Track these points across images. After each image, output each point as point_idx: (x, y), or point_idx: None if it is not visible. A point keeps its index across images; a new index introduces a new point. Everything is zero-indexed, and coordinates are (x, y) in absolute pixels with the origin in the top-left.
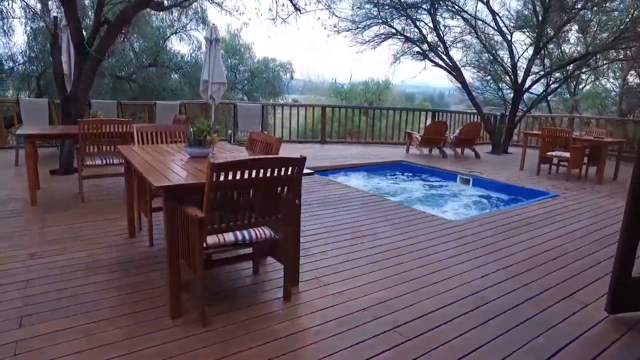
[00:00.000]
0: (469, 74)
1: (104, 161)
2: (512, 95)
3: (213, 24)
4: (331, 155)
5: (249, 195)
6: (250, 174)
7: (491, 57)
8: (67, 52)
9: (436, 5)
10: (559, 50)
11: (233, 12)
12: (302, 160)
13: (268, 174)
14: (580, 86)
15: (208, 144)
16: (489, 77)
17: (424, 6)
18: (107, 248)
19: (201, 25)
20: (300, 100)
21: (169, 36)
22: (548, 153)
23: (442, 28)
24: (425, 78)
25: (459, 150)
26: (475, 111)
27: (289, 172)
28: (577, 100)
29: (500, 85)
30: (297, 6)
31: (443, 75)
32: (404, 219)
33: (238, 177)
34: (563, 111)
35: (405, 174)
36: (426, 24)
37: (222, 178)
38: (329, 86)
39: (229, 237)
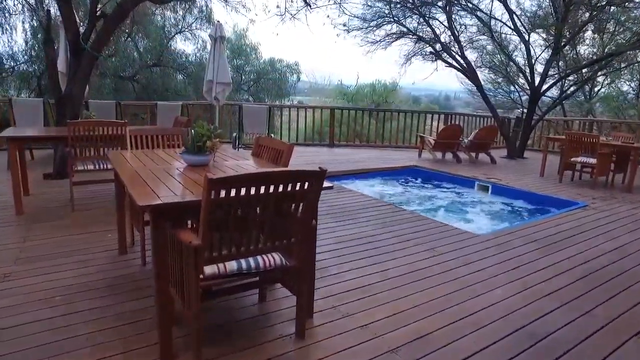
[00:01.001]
0: (480, 76)
1: (97, 166)
2: (524, 97)
3: (218, 21)
4: (341, 160)
5: (255, 216)
6: (257, 190)
7: (506, 59)
8: (63, 48)
9: (452, 2)
10: (574, 51)
11: (239, 8)
12: (321, 173)
13: (280, 190)
14: (596, 89)
15: (208, 150)
16: (500, 79)
17: (439, 3)
18: (95, 267)
19: (206, 24)
20: (305, 102)
21: (174, 35)
22: (572, 159)
23: (458, 27)
24: (430, 80)
25: (473, 154)
26: (487, 114)
27: (305, 187)
28: (593, 103)
29: (512, 87)
30: (307, 1)
31: (448, 78)
32: (426, 233)
33: (243, 193)
34: (577, 115)
35: (419, 180)
36: (441, 23)
37: (222, 194)
38: (335, 88)
39: (232, 265)
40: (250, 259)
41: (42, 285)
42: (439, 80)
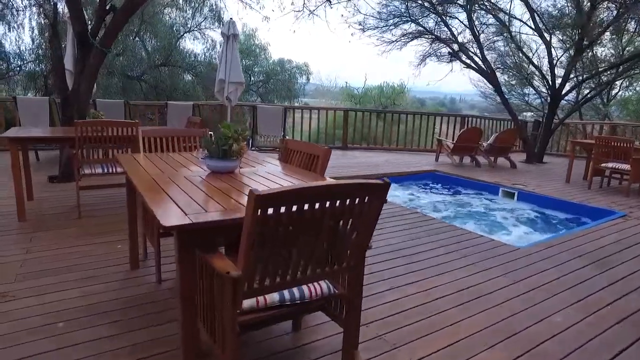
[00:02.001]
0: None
1: (106, 169)
2: (537, 100)
3: (231, 18)
4: (357, 163)
5: (308, 238)
6: (311, 207)
7: (525, 60)
8: (71, 45)
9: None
10: (591, 53)
11: (253, 5)
12: (385, 186)
13: (337, 206)
14: (613, 92)
15: (235, 156)
16: (513, 82)
17: (459, 1)
18: (104, 285)
19: (216, 23)
20: (311, 104)
21: (183, 34)
22: (602, 164)
23: (478, 26)
24: (435, 83)
25: (492, 159)
26: (500, 117)
27: (364, 203)
28: (610, 106)
29: (526, 89)
30: None
31: (453, 80)
32: (462, 245)
33: (293, 210)
34: (592, 118)
35: (440, 185)
36: (461, 22)
37: (268, 212)
38: (341, 90)
39: (273, 297)
40: (295, 288)
41: (43, 308)
42: (444, 82)
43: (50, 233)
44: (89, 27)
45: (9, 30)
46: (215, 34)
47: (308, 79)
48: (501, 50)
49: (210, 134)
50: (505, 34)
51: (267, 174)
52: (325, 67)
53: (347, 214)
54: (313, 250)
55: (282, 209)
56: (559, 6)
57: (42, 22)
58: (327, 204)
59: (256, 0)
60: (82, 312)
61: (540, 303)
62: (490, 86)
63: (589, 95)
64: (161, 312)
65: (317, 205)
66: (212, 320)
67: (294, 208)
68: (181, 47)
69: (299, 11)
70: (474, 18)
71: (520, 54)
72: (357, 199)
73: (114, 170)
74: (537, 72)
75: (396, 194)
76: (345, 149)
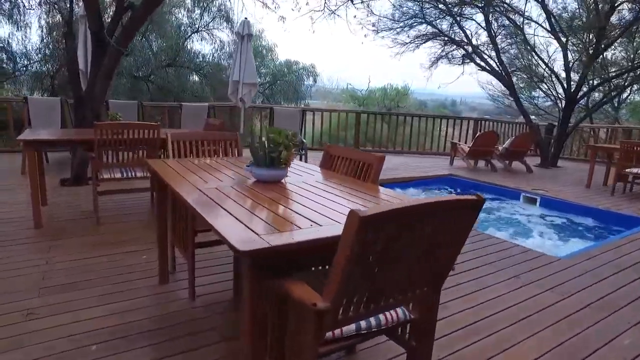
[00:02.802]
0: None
1: (125, 174)
2: (547, 103)
3: (245, 18)
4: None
5: (403, 261)
6: (411, 227)
7: (535, 62)
8: (84, 44)
9: (491, 3)
10: (602, 56)
11: (269, 4)
12: (480, 202)
13: (434, 224)
14: (623, 95)
15: (284, 164)
16: (522, 84)
17: (477, 3)
18: (133, 302)
19: (224, 23)
20: (312, 105)
21: (190, 35)
22: (626, 170)
23: (495, 28)
24: (434, 85)
25: (507, 162)
26: (511, 120)
27: (456, 221)
28: (620, 110)
29: (534, 92)
30: None
31: (454, 82)
32: (498, 255)
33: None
34: (601, 122)
35: (459, 190)
36: (478, 24)
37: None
38: (342, 91)
39: (349, 327)
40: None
41: (72, 328)
42: (445, 84)
43: (69, 242)
44: (105, 25)
45: (17, 30)
46: (223, 35)
47: (315, 81)
48: (511, 52)
49: (261, 141)
50: (518, 36)
51: (317, 184)
52: (326, 68)
53: (441, 233)
54: (406, 275)
55: (380, 231)
56: (573, 8)
57: (50, 21)
58: (425, 223)
59: (271, 0)
60: (114, 334)
61: (601, 322)
62: (499, 88)
63: (605, 99)
64: (198, 333)
65: (415, 225)
66: (279, 351)
67: (390, 228)
68: (189, 47)
69: (319, 11)
70: (492, 20)
71: (535, 57)
72: (452, 217)
73: (133, 174)
74: (549, 75)
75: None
76: None
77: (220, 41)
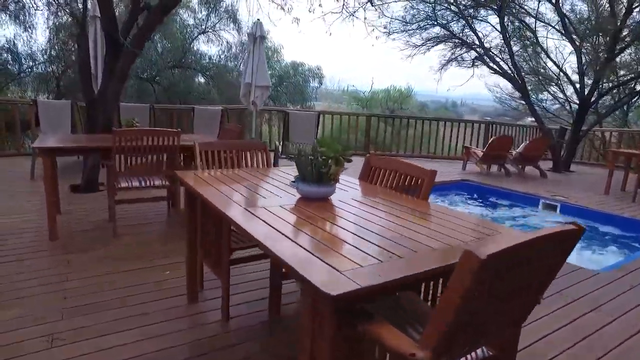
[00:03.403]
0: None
1: (143, 183)
2: (555, 106)
3: (258, 20)
4: None
5: (506, 299)
6: (520, 263)
7: (544, 65)
8: (94, 46)
9: (508, 4)
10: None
11: (283, 6)
12: (580, 232)
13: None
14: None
15: (332, 179)
16: (530, 86)
17: (493, 5)
18: (163, 325)
19: (231, 24)
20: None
21: (197, 36)
22: None
23: (510, 31)
24: (455, 89)
25: (520, 167)
26: (524, 124)
27: (559, 252)
28: (630, 112)
29: (541, 95)
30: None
31: (454, 84)
32: None
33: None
34: (609, 125)
35: (475, 195)
36: (493, 27)
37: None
38: (343, 92)
39: None
40: None
41: (104, 356)
42: (445, 86)
43: (87, 255)
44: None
45: (24, 31)
46: (230, 36)
47: (321, 83)
48: (524, 55)
49: (300, 152)
50: (530, 39)
51: (366, 200)
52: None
53: (542, 266)
54: (504, 311)
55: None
56: (585, 11)
57: (57, 22)
58: (533, 257)
59: (284, 2)
60: None
61: None
62: (506, 91)
63: (619, 103)
64: None
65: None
66: None
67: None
68: (195, 48)
69: (336, 13)
70: (507, 23)
71: (547, 59)
72: (554, 248)
73: (152, 183)
74: (557, 78)
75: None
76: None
77: (227, 42)
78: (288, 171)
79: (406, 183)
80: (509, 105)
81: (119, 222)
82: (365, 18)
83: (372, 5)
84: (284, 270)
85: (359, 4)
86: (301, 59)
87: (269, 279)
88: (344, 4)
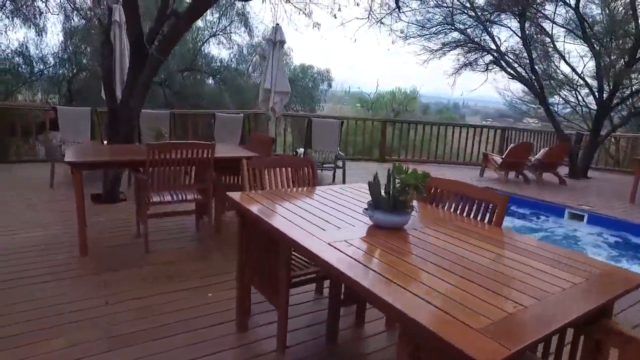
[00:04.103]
0: (518, 86)
1: (175, 197)
2: (567, 110)
3: (277, 24)
4: None
5: None
6: None
7: (555, 69)
8: (118, 51)
9: (531, 7)
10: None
11: (305, 11)
12: None
13: None
14: None
15: (409, 206)
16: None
17: (514, 9)
18: (219, 357)
19: (243, 27)
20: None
21: (208, 39)
22: None
23: (531, 35)
24: (437, 88)
25: (538, 174)
26: (539, 129)
27: None
28: None
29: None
30: (399, 3)
31: (458, 86)
32: None
33: None
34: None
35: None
36: (513, 32)
37: None
38: (346, 94)
39: None
40: None
41: None
42: (447, 88)
43: (122, 275)
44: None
45: (37, 35)
46: (241, 39)
47: (330, 86)
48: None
49: (376, 178)
50: (547, 44)
51: (439, 227)
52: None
53: None
54: None
55: None
56: (602, 15)
57: (71, 26)
58: None
59: (304, 7)
60: None
61: None
62: (517, 94)
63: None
64: None
65: None
66: None
67: None
68: (205, 51)
69: (363, 18)
70: (528, 28)
71: (558, 63)
72: None
73: (184, 197)
74: (575, 82)
75: None
76: (382, 161)
77: (238, 45)
78: (342, 191)
79: (474, 207)
80: (519, 110)
81: (153, 239)
82: (382, 23)
83: (400, 12)
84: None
85: (385, 10)
86: (303, 61)
87: (314, 301)
88: (370, 11)
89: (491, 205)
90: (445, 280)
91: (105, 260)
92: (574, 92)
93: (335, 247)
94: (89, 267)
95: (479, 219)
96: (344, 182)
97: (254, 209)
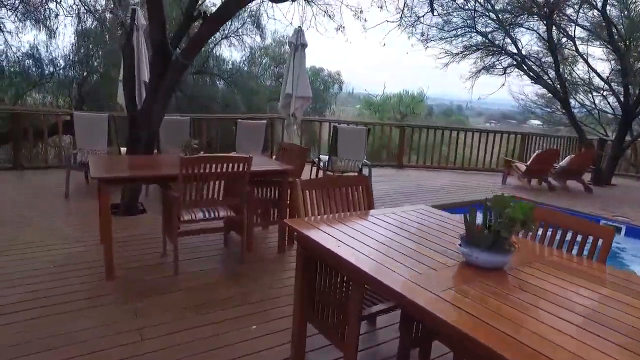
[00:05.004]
0: (531, 89)
1: (207, 214)
2: (580, 114)
3: (299, 27)
4: (429, 187)
5: None
6: None
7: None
8: (140, 55)
9: (559, 9)
10: None
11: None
12: None
13: None
14: None
15: (512, 243)
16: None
17: (542, 12)
18: None
19: (255, 29)
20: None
21: (219, 41)
22: None
23: (556, 39)
24: (439, 90)
25: (562, 181)
26: (560, 135)
27: None
28: None
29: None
30: (434, 6)
31: (457, 87)
32: None
33: None
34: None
35: None
36: (540, 35)
37: None
38: (350, 95)
39: None
40: None
41: None
42: (449, 89)
43: (152, 302)
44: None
45: (49, 37)
46: (253, 42)
47: (341, 88)
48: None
49: (472, 210)
50: (570, 47)
51: (538, 264)
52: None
53: None
54: None
55: None
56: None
57: (84, 27)
58: None
59: (324, 10)
60: None
61: None
62: (531, 98)
63: None
64: None
65: None
66: None
67: None
68: (217, 53)
69: (394, 22)
70: (557, 31)
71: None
72: None
73: (217, 214)
74: (594, 85)
75: None
76: (400, 167)
77: (250, 48)
78: (406, 215)
79: (573, 239)
80: (529, 113)
81: (171, 257)
82: (398, 25)
83: (434, 15)
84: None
85: (417, 15)
86: (313, 63)
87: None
88: (402, 14)
89: (591, 237)
90: (566, 333)
91: (133, 284)
92: (590, 95)
93: (440, 297)
94: (117, 293)
95: (575, 251)
96: None
97: (319, 238)
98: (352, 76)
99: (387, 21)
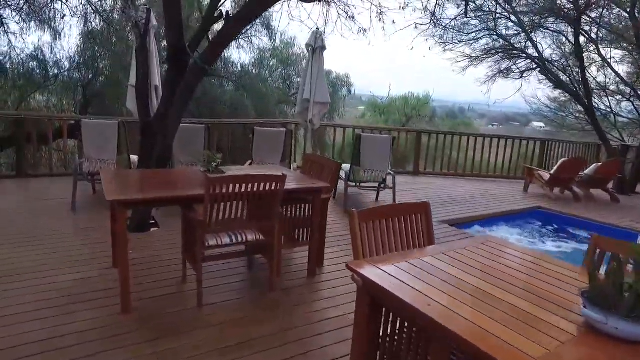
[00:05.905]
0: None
1: (234, 239)
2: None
3: (318, 29)
4: (457, 196)
5: None
6: None
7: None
8: (152, 58)
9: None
10: None
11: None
12: None
13: None
14: None
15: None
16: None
17: (569, 14)
18: None
19: (264, 31)
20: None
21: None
22: None
23: (584, 43)
24: (440, 91)
25: (588, 190)
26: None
27: None
28: None
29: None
30: (468, 8)
31: (458, 89)
32: None
33: None
34: None
35: (554, 226)
36: (566, 38)
37: None
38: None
39: None
40: None
41: None
42: (451, 91)
43: (177, 342)
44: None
45: (54, 39)
46: (262, 43)
47: (349, 91)
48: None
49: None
50: (594, 50)
51: None
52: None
53: None
54: None
55: None
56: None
57: (90, 29)
58: None
59: (345, 11)
60: None
61: None
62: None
63: None
64: None
65: None
66: None
67: None
68: (225, 55)
69: (422, 24)
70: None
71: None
72: None
73: (244, 239)
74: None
75: (522, 243)
76: (416, 174)
77: (260, 50)
78: (481, 252)
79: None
80: (542, 116)
81: (191, 284)
82: (416, 27)
83: (467, 16)
84: None
85: (447, 17)
86: (335, 68)
87: None
88: (432, 17)
89: None
90: None
91: (153, 319)
92: (607, 99)
93: None
94: (137, 332)
95: None
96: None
97: (402, 294)
98: (354, 77)
99: (416, 24)
